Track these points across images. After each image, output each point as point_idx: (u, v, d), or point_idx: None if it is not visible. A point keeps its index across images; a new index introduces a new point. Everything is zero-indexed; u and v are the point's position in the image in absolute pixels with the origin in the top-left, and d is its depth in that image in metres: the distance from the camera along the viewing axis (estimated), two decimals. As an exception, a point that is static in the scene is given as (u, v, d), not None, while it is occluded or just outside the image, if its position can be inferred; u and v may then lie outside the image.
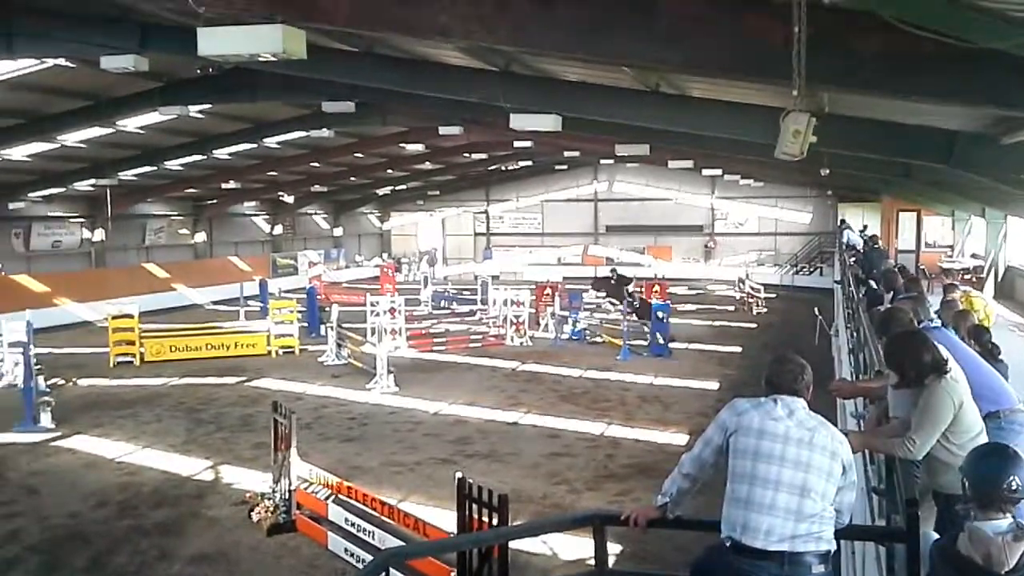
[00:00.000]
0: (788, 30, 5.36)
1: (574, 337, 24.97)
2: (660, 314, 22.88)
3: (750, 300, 31.83)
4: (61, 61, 15.86)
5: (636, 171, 46.00)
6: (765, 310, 30.97)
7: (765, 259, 45.03)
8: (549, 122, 14.06)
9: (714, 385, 18.61)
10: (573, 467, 12.66)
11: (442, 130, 22.27)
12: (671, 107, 12.44)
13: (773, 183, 41.99)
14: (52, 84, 18.19)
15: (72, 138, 23.13)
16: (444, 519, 8.94)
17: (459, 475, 7.93)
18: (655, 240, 47.24)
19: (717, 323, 28.52)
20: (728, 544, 3.63)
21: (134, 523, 10.61)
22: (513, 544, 7.62)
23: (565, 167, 46.70)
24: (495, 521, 7.23)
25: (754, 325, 27.95)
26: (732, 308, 32.21)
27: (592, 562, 4.40)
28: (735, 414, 3.77)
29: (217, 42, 7.92)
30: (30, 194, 30.60)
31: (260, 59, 8.15)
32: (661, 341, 22.51)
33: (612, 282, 25.86)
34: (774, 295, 33.93)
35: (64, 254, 35.16)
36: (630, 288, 25.34)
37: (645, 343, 22.83)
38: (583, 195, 49.95)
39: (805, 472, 3.56)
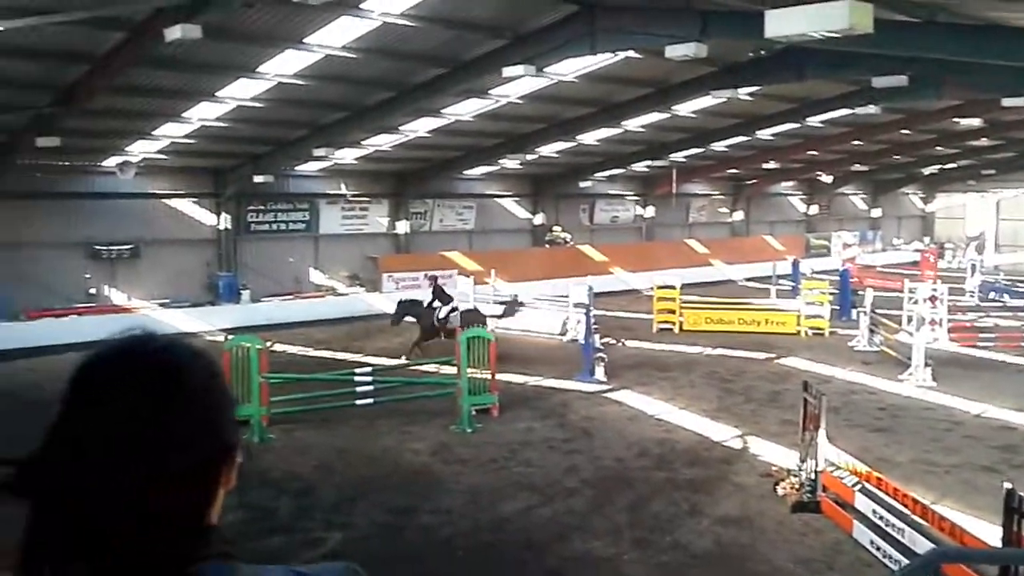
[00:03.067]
0: None
1: None
2: None
3: None
4: (631, 53, 17.75)
5: None
6: None
7: None
8: None
9: None
10: None
11: (1006, 102, 19.89)
12: None
13: None
14: (621, 75, 20.46)
15: (634, 123, 25.73)
16: (982, 531, 8.32)
17: (1008, 485, 7.33)
18: None
19: None
20: None
21: (669, 476, 11.65)
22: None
23: None
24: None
25: None
26: None
27: None
28: None
29: (784, 23, 8.32)
30: (595, 174, 34.85)
31: (824, 36, 8.33)
32: None
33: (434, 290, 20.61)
34: None
35: (620, 228, 39.40)
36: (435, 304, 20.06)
37: None
38: None
39: None
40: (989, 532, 8.00)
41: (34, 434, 1.05)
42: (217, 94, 19.04)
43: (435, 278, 22.10)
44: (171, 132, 22.30)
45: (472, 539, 9.53)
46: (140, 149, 23.86)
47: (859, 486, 9.61)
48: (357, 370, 15.83)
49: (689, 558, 9.00)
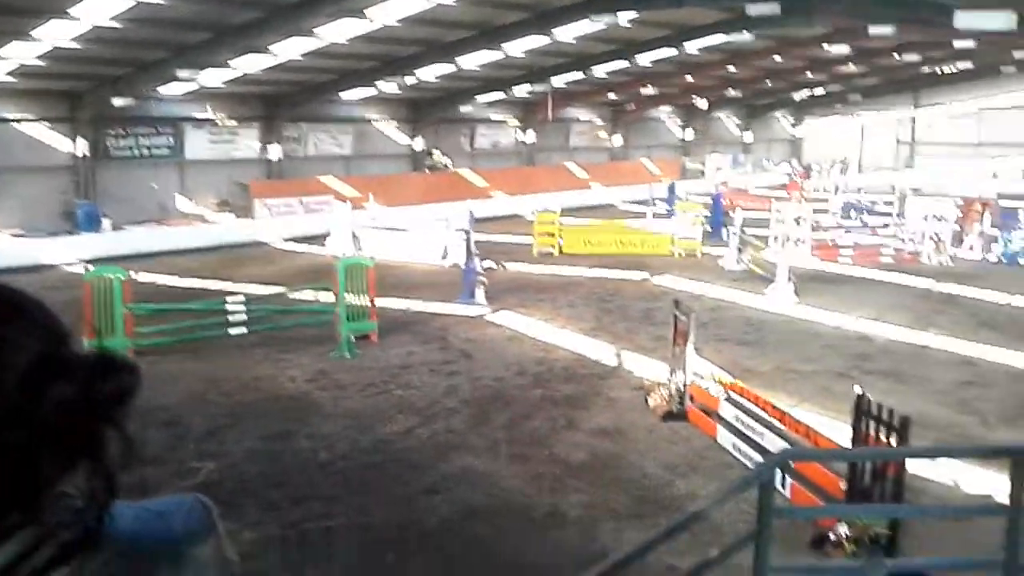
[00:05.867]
0: None
1: (1004, 260, 22.35)
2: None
3: None
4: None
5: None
6: None
7: None
8: (1000, 20, 12.44)
9: None
10: (987, 399, 11.60)
11: (872, 30, 20.64)
12: None
13: None
14: (502, -2, 20.06)
15: (515, 48, 25.42)
16: (836, 432, 8.88)
17: (859, 389, 7.81)
18: None
19: None
20: None
21: (546, 393, 11.92)
22: (910, 467, 7.39)
23: (1012, 70, 40.52)
24: (893, 442, 7.06)
25: None
26: None
27: (1004, 500, 4.03)
28: None
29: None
30: (476, 99, 34.40)
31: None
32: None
33: None
34: None
35: (501, 153, 39.25)
36: None
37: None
38: (1036, 101, 43.09)
39: None
40: (843, 432, 8.52)
41: None
42: (69, 11, 17.63)
43: None
44: (19, 53, 20.59)
45: (351, 461, 9.50)
46: (-17, 70, 21.99)
47: (724, 395, 10.07)
48: (229, 298, 15.31)
49: (565, 469, 9.26)
